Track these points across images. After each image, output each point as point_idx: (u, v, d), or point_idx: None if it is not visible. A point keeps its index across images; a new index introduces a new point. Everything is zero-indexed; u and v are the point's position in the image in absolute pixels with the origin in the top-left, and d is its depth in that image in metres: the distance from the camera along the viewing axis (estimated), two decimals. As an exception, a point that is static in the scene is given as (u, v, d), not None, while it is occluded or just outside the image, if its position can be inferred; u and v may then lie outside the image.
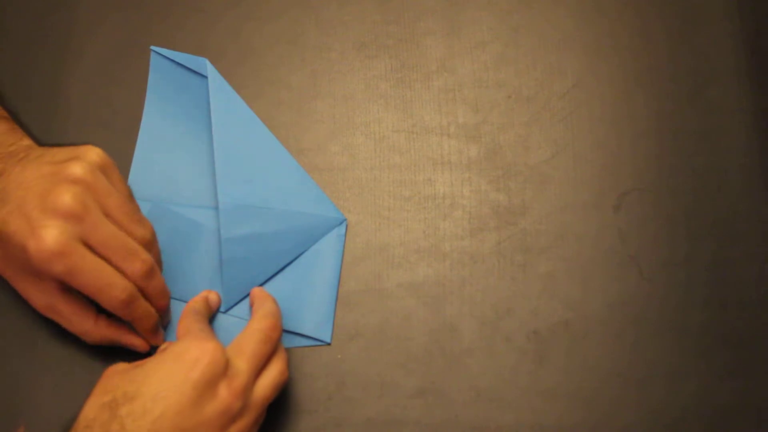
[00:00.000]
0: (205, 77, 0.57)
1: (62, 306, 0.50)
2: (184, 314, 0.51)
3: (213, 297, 0.54)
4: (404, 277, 0.56)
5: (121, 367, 0.47)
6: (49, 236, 0.46)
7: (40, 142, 0.54)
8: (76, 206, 0.47)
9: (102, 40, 0.61)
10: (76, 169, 0.48)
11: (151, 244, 0.51)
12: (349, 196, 0.58)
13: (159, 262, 0.53)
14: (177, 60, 0.59)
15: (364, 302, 0.55)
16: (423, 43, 0.61)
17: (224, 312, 0.54)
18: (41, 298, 0.50)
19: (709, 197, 0.57)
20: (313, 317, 0.54)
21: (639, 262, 0.56)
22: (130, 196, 0.52)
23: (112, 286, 0.48)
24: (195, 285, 0.55)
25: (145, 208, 0.55)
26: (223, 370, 0.46)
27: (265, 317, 0.50)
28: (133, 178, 0.57)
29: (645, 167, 0.58)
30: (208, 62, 0.57)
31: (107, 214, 0.49)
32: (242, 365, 0.47)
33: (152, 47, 0.59)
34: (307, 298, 0.55)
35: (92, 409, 0.45)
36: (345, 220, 0.57)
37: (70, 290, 0.50)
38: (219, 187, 0.54)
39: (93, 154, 0.49)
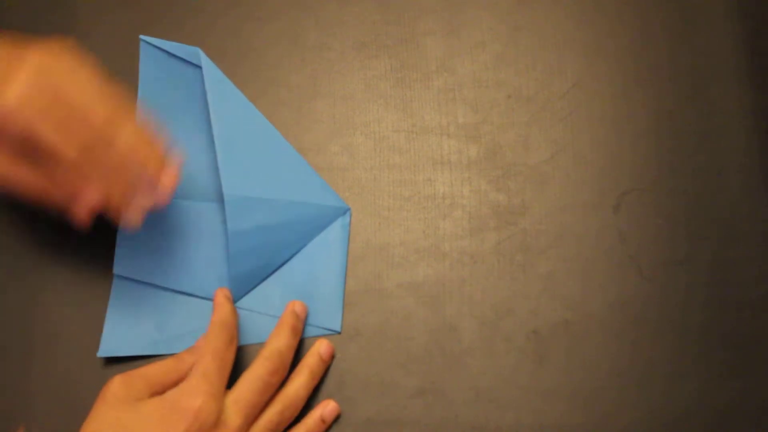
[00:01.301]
0: (198, 67, 0.57)
1: (15, 169, 0.48)
2: (211, 326, 0.51)
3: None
4: (404, 277, 0.56)
5: (120, 392, 0.48)
6: (13, 91, 0.44)
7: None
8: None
9: (101, 39, 0.61)
10: None
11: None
12: (349, 196, 0.58)
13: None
14: (168, 49, 0.58)
15: (364, 302, 0.55)
16: (423, 43, 0.61)
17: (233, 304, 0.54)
18: None
19: (709, 197, 0.57)
20: (322, 307, 0.55)
21: (639, 262, 0.56)
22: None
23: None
24: (201, 279, 0.55)
25: None
26: (212, 426, 0.47)
27: (268, 359, 0.50)
28: None
29: (645, 167, 0.58)
30: (201, 52, 0.56)
31: None
32: (235, 418, 0.48)
33: (141, 36, 0.58)
34: (315, 288, 0.55)
35: None
36: (349, 209, 0.57)
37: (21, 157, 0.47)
38: (223, 179, 0.53)
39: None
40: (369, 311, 0.55)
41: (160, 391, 0.49)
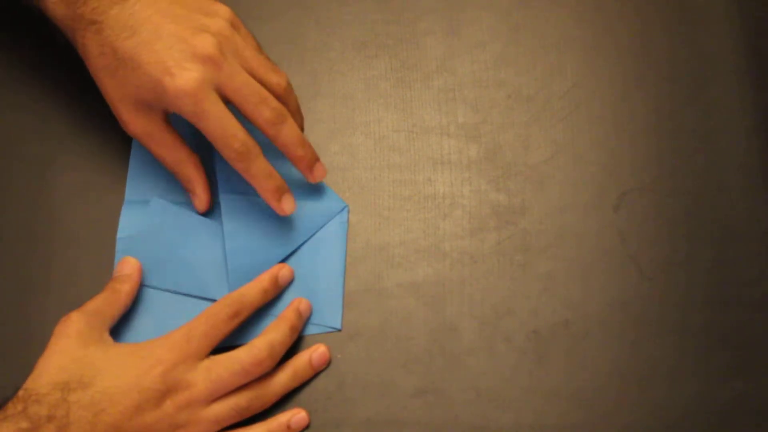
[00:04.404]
0: None
1: (163, 134, 0.53)
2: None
3: (285, 272, 0.55)
4: (404, 277, 0.56)
5: (85, 330, 0.49)
6: (188, 77, 0.49)
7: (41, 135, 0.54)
8: (216, 54, 0.50)
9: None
10: (215, 24, 0.52)
11: (287, 92, 0.54)
12: (349, 196, 0.58)
13: (297, 111, 0.56)
14: None
15: (364, 302, 0.55)
16: (423, 43, 0.61)
17: None
18: (143, 124, 0.53)
19: (709, 197, 0.57)
20: (322, 305, 0.55)
21: (639, 262, 0.56)
22: (261, 49, 0.55)
23: (233, 137, 0.50)
24: (201, 278, 0.55)
25: (145, 205, 0.56)
26: (175, 384, 0.48)
27: (257, 348, 0.50)
28: (131, 176, 0.57)
29: (645, 167, 0.58)
30: None
31: (243, 65, 0.52)
32: (201, 384, 0.49)
33: None
34: (315, 286, 0.55)
35: (46, 384, 0.47)
36: (346, 206, 0.57)
37: (168, 123, 0.53)
38: (218, 179, 0.54)
39: (225, 11, 0.53)
40: (369, 311, 0.55)
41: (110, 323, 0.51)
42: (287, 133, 0.52)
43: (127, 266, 0.54)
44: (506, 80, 0.60)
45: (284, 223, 0.55)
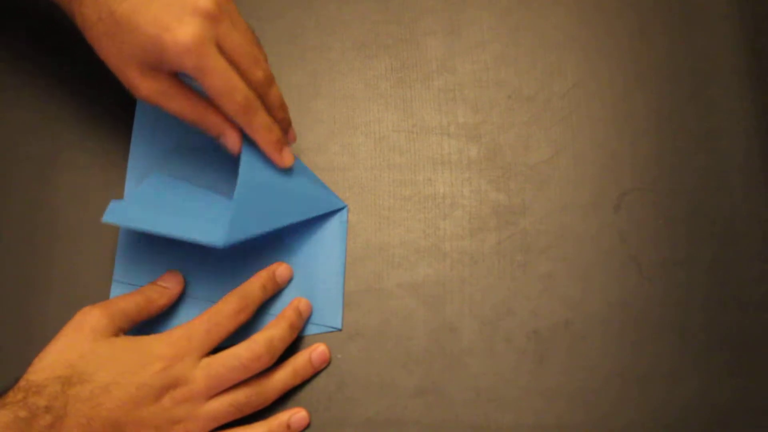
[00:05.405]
0: None
1: (176, 89, 0.52)
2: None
3: (283, 270, 0.55)
4: (404, 277, 0.56)
5: (100, 326, 0.49)
6: (189, 32, 0.48)
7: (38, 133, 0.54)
8: (215, 9, 0.49)
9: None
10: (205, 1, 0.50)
11: (266, 62, 0.54)
12: (349, 196, 0.58)
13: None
14: None
15: (364, 302, 0.55)
16: (423, 43, 0.61)
17: (222, 246, 0.52)
18: (152, 85, 0.51)
19: (709, 197, 0.57)
20: (322, 305, 0.55)
21: (639, 262, 0.56)
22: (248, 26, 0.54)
23: (235, 90, 0.50)
24: (201, 280, 0.55)
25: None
26: (174, 382, 0.49)
27: (256, 343, 0.50)
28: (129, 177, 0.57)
29: (645, 167, 0.58)
30: None
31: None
32: (200, 380, 0.49)
33: None
34: (315, 286, 0.55)
35: (49, 377, 0.47)
36: (346, 206, 0.57)
37: (179, 79, 0.52)
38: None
39: None
40: (369, 311, 0.55)
41: (129, 327, 0.51)
42: (275, 94, 0.53)
43: (172, 279, 0.54)
44: (506, 80, 0.60)
45: (287, 214, 0.55)
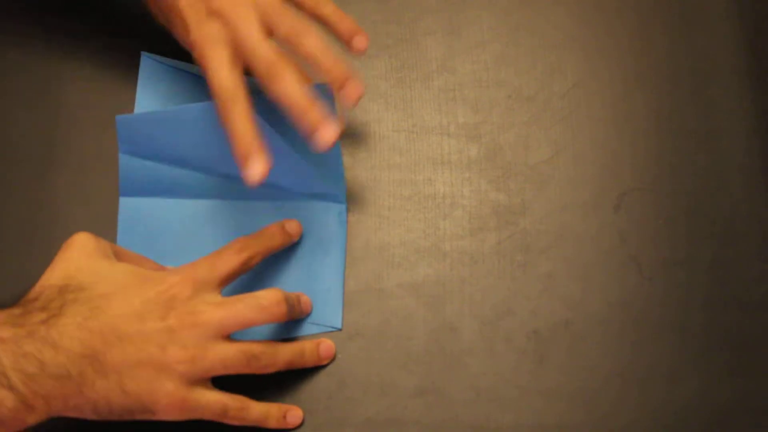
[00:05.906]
0: (196, 75, 0.57)
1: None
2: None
3: (293, 224, 0.55)
4: (404, 277, 0.56)
5: (90, 245, 0.48)
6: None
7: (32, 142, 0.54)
8: None
9: (100, 38, 0.61)
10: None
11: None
12: (349, 196, 0.58)
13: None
14: (168, 64, 0.59)
15: (364, 302, 0.55)
16: (423, 43, 0.61)
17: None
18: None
19: (709, 197, 0.57)
20: (322, 305, 0.55)
21: (639, 262, 0.56)
22: None
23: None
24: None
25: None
26: (182, 302, 0.47)
27: (275, 291, 0.50)
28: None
29: (645, 167, 0.58)
30: None
31: None
32: (212, 310, 0.47)
33: (143, 53, 0.59)
34: (315, 286, 0.55)
35: (46, 285, 0.46)
36: (345, 205, 0.57)
37: None
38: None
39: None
40: (369, 311, 0.55)
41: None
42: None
43: None
44: (506, 80, 0.60)
45: (286, 173, 0.55)
